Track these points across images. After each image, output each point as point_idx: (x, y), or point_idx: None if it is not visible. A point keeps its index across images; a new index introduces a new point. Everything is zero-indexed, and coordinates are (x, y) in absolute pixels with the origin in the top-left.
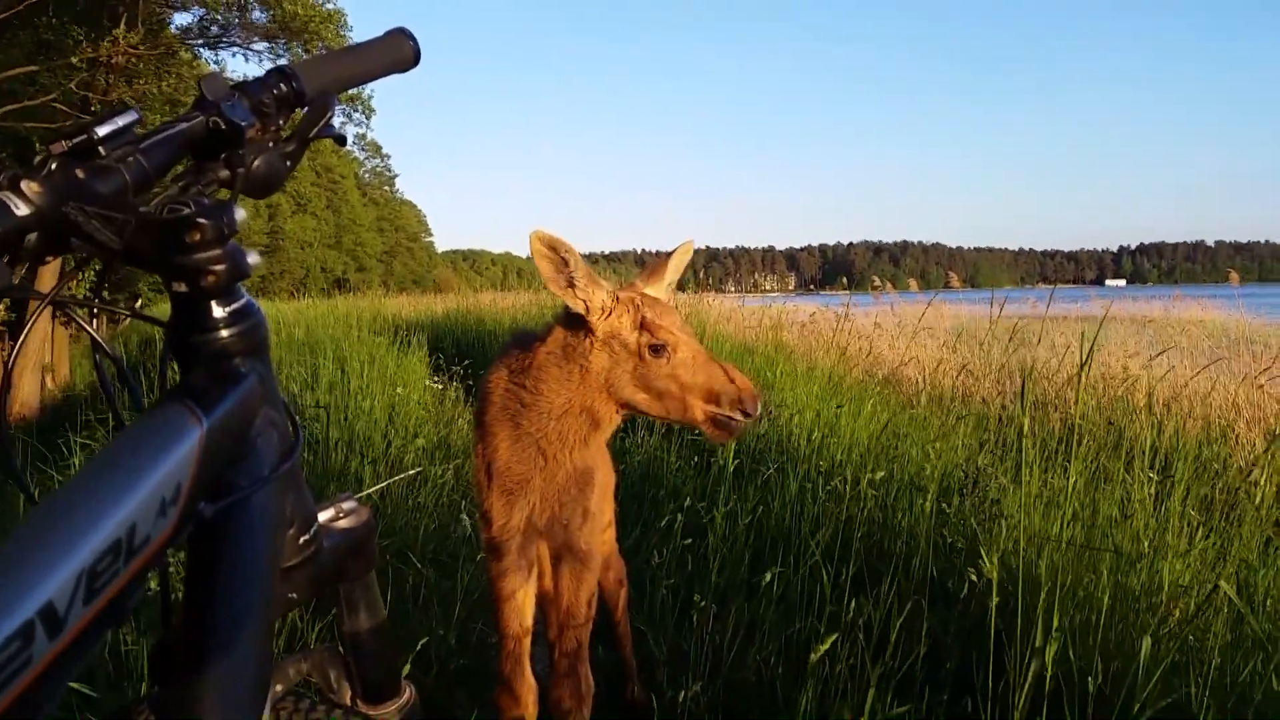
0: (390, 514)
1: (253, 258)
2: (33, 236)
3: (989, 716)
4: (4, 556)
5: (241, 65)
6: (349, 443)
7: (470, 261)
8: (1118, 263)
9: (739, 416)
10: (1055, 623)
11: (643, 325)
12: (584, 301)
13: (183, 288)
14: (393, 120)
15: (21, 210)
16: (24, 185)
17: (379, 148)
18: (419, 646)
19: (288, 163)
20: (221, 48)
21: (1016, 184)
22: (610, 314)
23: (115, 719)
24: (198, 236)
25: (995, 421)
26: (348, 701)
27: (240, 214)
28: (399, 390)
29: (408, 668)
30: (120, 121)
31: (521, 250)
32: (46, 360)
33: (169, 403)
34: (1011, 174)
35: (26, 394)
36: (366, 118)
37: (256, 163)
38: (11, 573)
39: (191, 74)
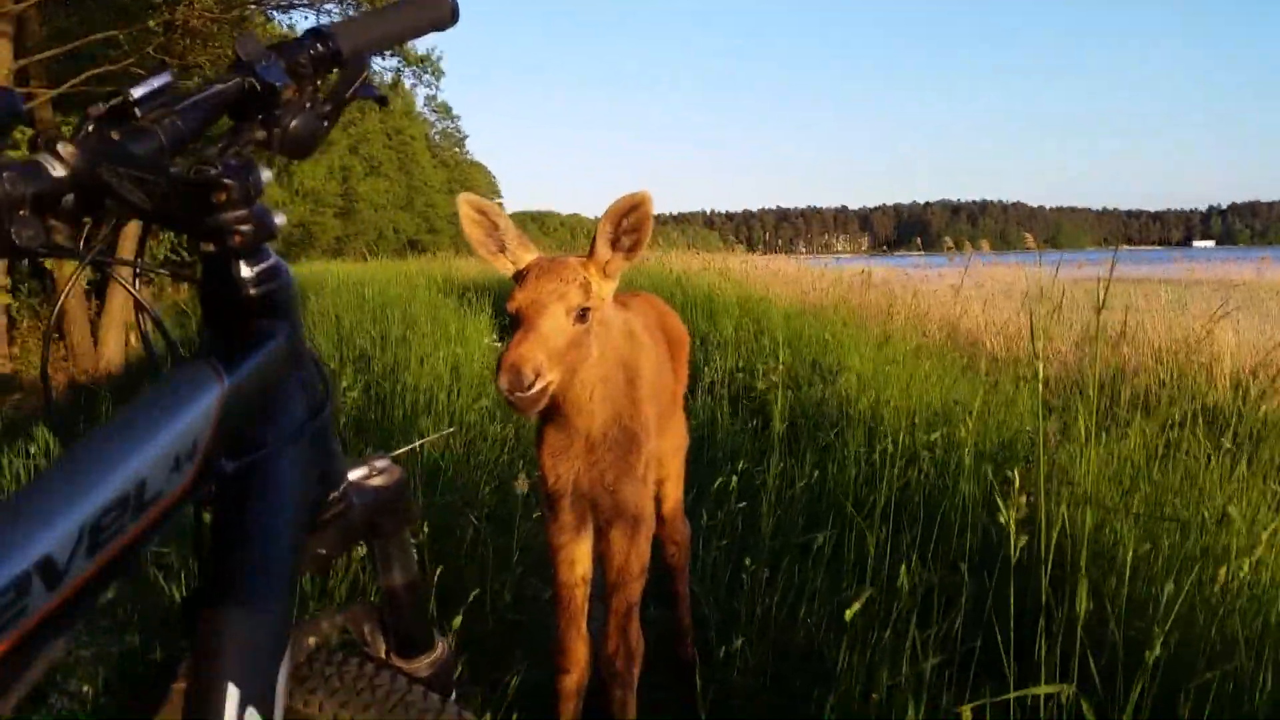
0: (451, 472)
1: (279, 218)
2: (70, 197)
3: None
4: (5, 511)
5: None
6: (413, 402)
7: (539, 223)
8: (1207, 223)
9: (499, 385)
10: (1082, 577)
11: None
12: (513, 265)
13: (211, 248)
14: (461, 78)
15: (57, 171)
16: (60, 147)
17: (449, 109)
18: (471, 599)
19: (324, 123)
20: (294, 9)
21: (1101, 141)
22: None
23: (159, 671)
24: (224, 197)
25: (1069, 387)
26: (383, 655)
27: (266, 175)
28: (459, 350)
29: (459, 620)
30: (155, 83)
31: (590, 211)
32: (130, 320)
33: (193, 361)
34: (1096, 130)
35: (111, 353)
36: (436, 79)
37: (293, 123)
38: (9, 527)
39: (266, 37)
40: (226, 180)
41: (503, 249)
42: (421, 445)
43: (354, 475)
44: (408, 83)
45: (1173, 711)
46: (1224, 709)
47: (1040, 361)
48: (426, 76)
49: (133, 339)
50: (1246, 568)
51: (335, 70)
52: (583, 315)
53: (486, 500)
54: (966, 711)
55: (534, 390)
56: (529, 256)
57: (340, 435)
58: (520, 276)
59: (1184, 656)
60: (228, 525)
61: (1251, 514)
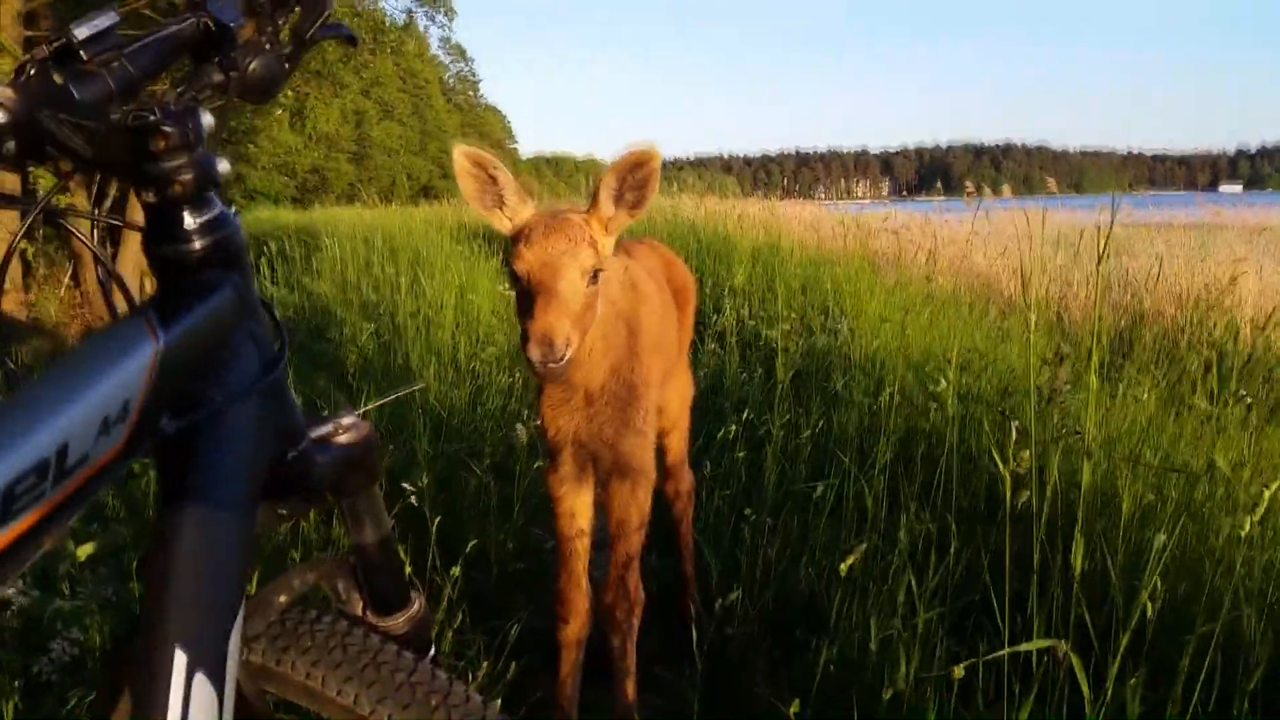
0: (457, 422)
1: (223, 165)
2: (10, 144)
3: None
4: None
5: None
6: (420, 349)
7: (554, 167)
8: (1234, 166)
9: (531, 357)
10: (1079, 533)
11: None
12: (510, 221)
13: (152, 197)
14: (474, 19)
15: None
16: None
17: (463, 51)
18: (469, 549)
19: (286, 65)
20: None
21: (1126, 83)
22: None
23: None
24: (163, 144)
25: (1085, 333)
26: (359, 612)
27: (208, 120)
28: (470, 298)
29: (456, 569)
30: (101, 23)
31: (605, 155)
32: (144, 268)
33: (129, 318)
34: (1121, 72)
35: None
36: (449, 19)
37: (252, 65)
38: None
39: None
40: (166, 126)
41: (500, 204)
42: (391, 400)
43: (319, 432)
44: (421, 24)
45: (1173, 664)
46: (1217, 662)
47: (1033, 313)
48: (439, 17)
49: (148, 286)
50: (1248, 525)
51: (297, 8)
52: (594, 276)
53: (491, 450)
54: (958, 670)
55: (564, 360)
56: (527, 212)
57: (349, 381)
58: (522, 235)
59: (1187, 610)
60: (174, 486)
61: (1260, 465)
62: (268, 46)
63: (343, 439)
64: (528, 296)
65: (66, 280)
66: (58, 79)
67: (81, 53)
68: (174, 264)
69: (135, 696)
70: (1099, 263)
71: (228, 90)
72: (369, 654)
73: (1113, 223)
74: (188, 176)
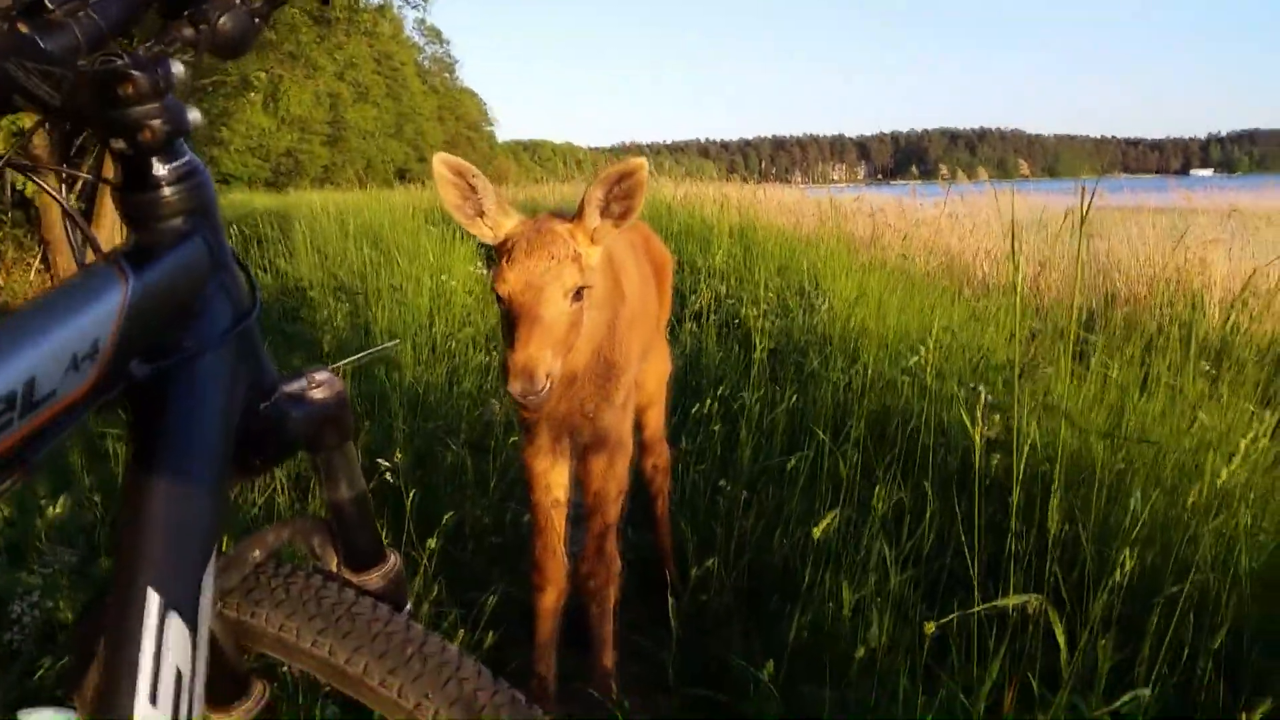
0: (434, 400)
1: (193, 114)
2: None
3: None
4: None
5: None
6: (396, 328)
7: (531, 152)
8: (1206, 152)
9: (512, 391)
10: (1055, 490)
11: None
12: (492, 231)
13: (121, 144)
14: (450, 3)
15: None
16: None
17: (439, 33)
18: (444, 521)
19: (256, 21)
20: None
21: (1100, 68)
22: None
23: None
24: (131, 90)
25: (1059, 312)
26: (334, 568)
27: (178, 68)
28: (443, 278)
29: (433, 542)
30: None
31: (582, 140)
32: (118, 243)
33: (100, 263)
34: (1095, 57)
35: None
36: (425, 2)
37: (223, 20)
38: None
39: None
40: (134, 72)
41: (481, 213)
42: (365, 358)
43: (291, 387)
44: (395, 5)
45: (1142, 625)
46: (1186, 623)
47: (1019, 274)
48: None
49: None
50: (1225, 474)
51: None
52: (579, 293)
53: (467, 428)
54: (930, 626)
55: (545, 390)
56: (510, 223)
57: (324, 361)
58: (505, 250)
59: (1156, 575)
60: (147, 431)
61: (1226, 428)
62: (238, 2)
63: (316, 394)
64: (510, 320)
65: (36, 264)
66: (24, 29)
67: (48, 3)
68: (145, 212)
69: (109, 638)
70: (1080, 227)
71: (198, 46)
72: (343, 606)
73: (1088, 206)
74: (157, 122)
